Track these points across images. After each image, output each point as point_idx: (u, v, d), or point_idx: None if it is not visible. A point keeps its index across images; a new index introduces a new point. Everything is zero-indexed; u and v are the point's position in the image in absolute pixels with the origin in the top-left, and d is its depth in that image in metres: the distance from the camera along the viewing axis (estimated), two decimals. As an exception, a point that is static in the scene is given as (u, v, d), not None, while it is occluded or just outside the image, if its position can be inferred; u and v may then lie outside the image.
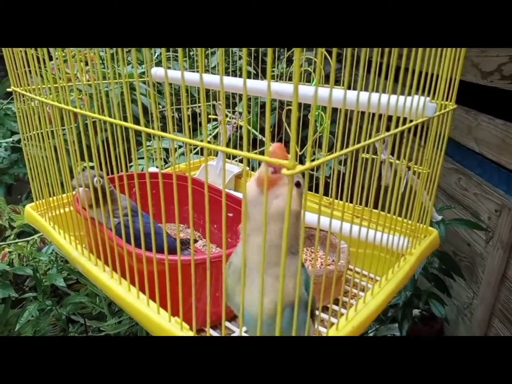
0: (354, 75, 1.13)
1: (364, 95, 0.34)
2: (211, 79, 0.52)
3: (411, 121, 0.37)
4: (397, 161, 0.44)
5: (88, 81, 0.70)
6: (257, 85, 0.47)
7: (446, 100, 0.43)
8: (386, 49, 0.31)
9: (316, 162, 0.24)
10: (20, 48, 0.47)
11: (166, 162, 0.92)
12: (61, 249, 0.46)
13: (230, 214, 0.51)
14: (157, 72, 0.62)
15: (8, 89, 0.48)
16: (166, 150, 0.92)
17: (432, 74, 0.41)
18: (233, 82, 0.47)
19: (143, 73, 1.05)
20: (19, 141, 1.08)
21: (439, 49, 0.41)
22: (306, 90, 0.41)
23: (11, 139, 1.05)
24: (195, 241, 0.57)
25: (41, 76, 0.46)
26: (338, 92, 0.36)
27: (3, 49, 0.50)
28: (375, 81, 0.36)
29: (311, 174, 0.79)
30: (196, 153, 0.97)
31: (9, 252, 1.13)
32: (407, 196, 0.44)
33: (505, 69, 0.93)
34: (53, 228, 0.49)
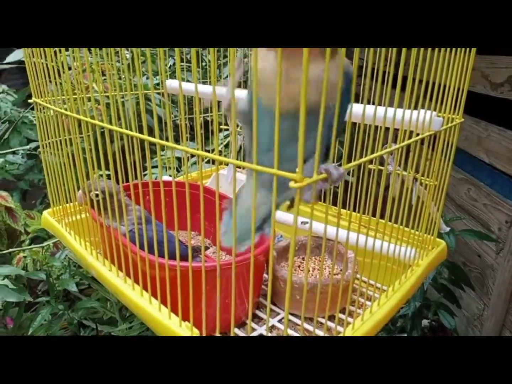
0: (362, 84, 1.14)
1: (371, 109, 0.36)
2: (223, 92, 0.54)
3: (417, 134, 0.38)
4: (404, 173, 0.45)
5: (105, 91, 0.72)
6: None
7: (454, 113, 0.44)
8: (393, 58, 0.32)
9: (323, 176, 0.25)
10: (42, 60, 0.49)
11: (179, 171, 0.94)
12: (76, 254, 0.48)
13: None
14: (172, 84, 0.64)
15: (30, 100, 0.50)
16: (179, 158, 0.94)
17: (440, 85, 0.42)
18: (243, 95, 0.49)
19: (158, 84, 1.07)
20: (35, 149, 1.12)
21: (447, 58, 0.42)
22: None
23: (28, 147, 1.08)
24: (206, 248, 0.58)
25: (60, 85, 0.48)
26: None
27: (25, 60, 0.52)
28: (382, 91, 0.38)
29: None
30: (208, 161, 0.99)
31: (24, 257, 1.16)
32: (415, 207, 0.45)
33: (515, 81, 0.93)
34: (69, 233, 0.51)
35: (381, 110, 0.34)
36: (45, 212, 0.56)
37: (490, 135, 1.01)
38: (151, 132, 0.36)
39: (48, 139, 0.52)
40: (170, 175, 0.72)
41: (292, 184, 0.23)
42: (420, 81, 0.39)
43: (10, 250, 0.96)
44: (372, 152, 0.36)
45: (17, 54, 0.91)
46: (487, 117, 1.04)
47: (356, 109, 0.36)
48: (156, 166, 0.95)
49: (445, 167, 0.44)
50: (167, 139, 0.35)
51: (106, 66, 0.52)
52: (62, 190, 0.52)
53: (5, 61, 0.93)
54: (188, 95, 0.69)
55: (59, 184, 0.52)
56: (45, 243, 1.21)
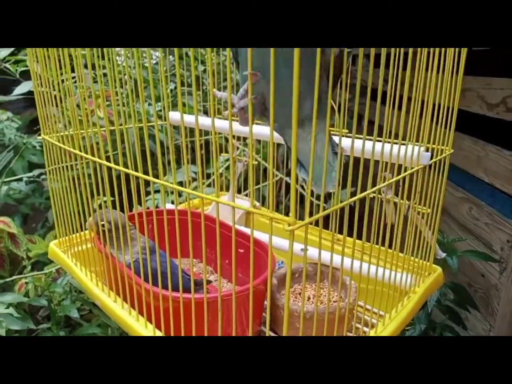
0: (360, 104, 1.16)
1: (360, 144, 0.37)
2: (222, 124, 0.56)
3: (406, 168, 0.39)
4: (396, 199, 0.46)
5: (108, 117, 0.74)
6: (262, 131, 0.51)
7: (444, 144, 0.45)
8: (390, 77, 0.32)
9: (315, 217, 0.26)
10: (49, 90, 0.51)
11: (180, 195, 0.95)
12: (83, 285, 0.49)
13: (241, 250, 0.53)
14: (173, 116, 0.66)
15: (39, 137, 0.52)
16: (181, 182, 0.96)
17: (433, 109, 0.42)
18: (240, 129, 0.51)
19: (160, 110, 1.10)
20: (39, 176, 1.13)
21: (436, 79, 0.42)
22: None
23: (31, 174, 1.09)
24: (209, 282, 0.58)
25: (66, 111, 0.50)
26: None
27: (34, 90, 0.54)
28: (382, 111, 0.39)
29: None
30: (209, 185, 1.00)
31: (26, 282, 1.16)
32: (409, 233, 0.45)
33: (510, 102, 0.95)
34: (75, 264, 0.52)
35: (370, 144, 0.36)
36: (51, 244, 0.57)
37: (488, 154, 1.02)
38: (153, 156, 0.37)
39: (53, 164, 0.53)
40: (172, 202, 0.73)
41: (286, 227, 0.23)
42: (409, 99, 0.40)
43: (14, 277, 0.97)
44: (366, 181, 0.37)
45: (24, 87, 0.94)
46: (485, 137, 1.05)
47: (346, 143, 0.38)
48: (158, 191, 0.96)
49: (437, 195, 0.45)
50: (169, 162, 0.37)
51: (112, 92, 0.54)
52: (68, 221, 0.53)
53: (13, 93, 0.96)
54: (189, 126, 0.71)
55: (65, 215, 0.53)
56: (46, 269, 1.21)
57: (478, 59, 1.01)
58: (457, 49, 0.44)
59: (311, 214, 0.28)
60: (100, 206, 0.47)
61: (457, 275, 1.10)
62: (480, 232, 1.05)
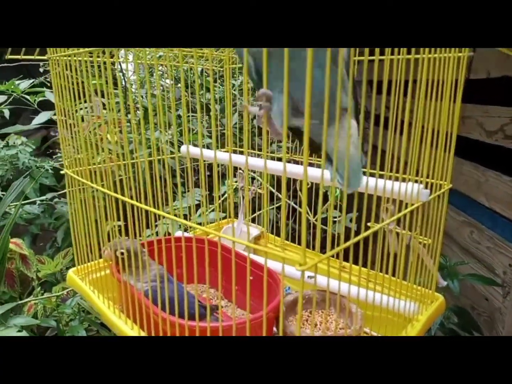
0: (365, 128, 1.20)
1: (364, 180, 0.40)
2: (236, 159, 0.60)
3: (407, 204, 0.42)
4: (398, 229, 0.48)
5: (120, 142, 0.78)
6: (272, 166, 0.54)
7: (442, 179, 0.47)
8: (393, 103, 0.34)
9: (324, 256, 0.28)
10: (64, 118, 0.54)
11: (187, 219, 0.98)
12: (100, 313, 0.51)
13: (251, 277, 0.55)
14: (185, 149, 0.70)
15: (62, 172, 0.56)
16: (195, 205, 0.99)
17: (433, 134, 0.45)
18: (252, 162, 0.54)
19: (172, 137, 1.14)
20: (52, 199, 1.17)
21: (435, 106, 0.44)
22: (314, 172, 0.47)
23: (45, 197, 1.13)
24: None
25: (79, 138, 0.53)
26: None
27: (58, 119, 0.57)
28: (385, 136, 0.41)
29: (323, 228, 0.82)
30: (213, 210, 1.03)
31: (35, 303, 1.18)
32: (412, 263, 0.48)
33: (508, 129, 0.98)
34: (93, 292, 0.54)
35: (373, 181, 0.39)
36: (70, 271, 0.60)
37: (488, 179, 1.05)
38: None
39: (74, 198, 0.56)
40: (186, 229, 0.75)
41: (297, 267, 0.26)
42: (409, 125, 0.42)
43: (26, 300, 0.99)
44: (369, 213, 0.40)
45: (43, 116, 0.99)
46: (485, 163, 1.08)
47: None
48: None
49: (437, 227, 0.48)
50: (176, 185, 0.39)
51: (123, 118, 0.57)
52: (86, 249, 0.56)
53: (32, 123, 1.01)
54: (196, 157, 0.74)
55: (83, 244, 0.56)
56: (54, 289, 1.23)
57: (476, 87, 1.05)
58: (454, 77, 0.46)
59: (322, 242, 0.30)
60: (109, 234, 0.50)
61: (460, 298, 1.11)
62: (482, 255, 1.07)
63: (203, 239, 0.38)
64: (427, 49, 0.40)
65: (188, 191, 0.88)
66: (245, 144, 0.39)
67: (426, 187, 0.45)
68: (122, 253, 0.48)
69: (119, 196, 0.44)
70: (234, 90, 1.19)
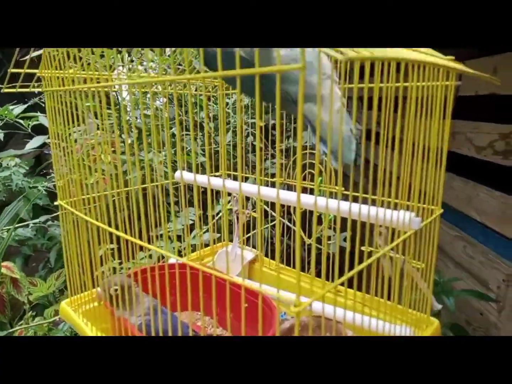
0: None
1: (356, 207, 0.41)
2: (230, 185, 0.60)
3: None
4: (392, 253, 0.49)
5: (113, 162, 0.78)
6: (266, 192, 0.55)
7: (433, 203, 0.48)
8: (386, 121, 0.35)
9: (317, 295, 0.28)
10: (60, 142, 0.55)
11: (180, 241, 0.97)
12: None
13: (246, 305, 0.55)
14: (178, 175, 0.70)
15: (56, 203, 0.55)
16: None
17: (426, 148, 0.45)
18: (245, 188, 0.55)
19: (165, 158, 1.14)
20: (45, 222, 1.16)
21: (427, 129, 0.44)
22: (308, 199, 0.48)
23: (38, 220, 1.12)
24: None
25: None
26: (333, 203, 0.42)
27: (52, 151, 0.57)
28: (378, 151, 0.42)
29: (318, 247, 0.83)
30: (207, 230, 1.03)
31: (25, 328, 1.15)
32: (406, 287, 0.48)
33: (497, 145, 1.00)
34: (86, 324, 0.54)
35: (365, 208, 0.39)
36: (63, 303, 0.59)
37: (478, 194, 1.06)
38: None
39: (68, 230, 0.56)
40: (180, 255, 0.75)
41: (292, 308, 0.26)
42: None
43: (17, 328, 0.97)
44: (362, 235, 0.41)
45: (36, 141, 0.99)
46: (475, 177, 1.10)
47: (344, 207, 0.41)
48: (162, 235, 0.98)
49: (429, 252, 0.48)
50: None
51: (117, 140, 0.57)
52: (79, 279, 0.55)
53: (26, 148, 1.01)
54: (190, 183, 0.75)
55: (77, 273, 0.56)
56: (46, 312, 1.21)
57: (465, 104, 1.07)
58: (443, 94, 0.46)
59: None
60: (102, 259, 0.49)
61: (455, 313, 1.11)
62: (476, 270, 1.07)
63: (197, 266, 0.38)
64: (415, 77, 0.41)
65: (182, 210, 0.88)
66: (238, 168, 0.39)
67: (417, 213, 0.45)
68: (116, 290, 0.48)
69: (107, 227, 0.44)
70: (228, 109, 1.21)
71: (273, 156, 1.37)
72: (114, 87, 0.62)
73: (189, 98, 0.47)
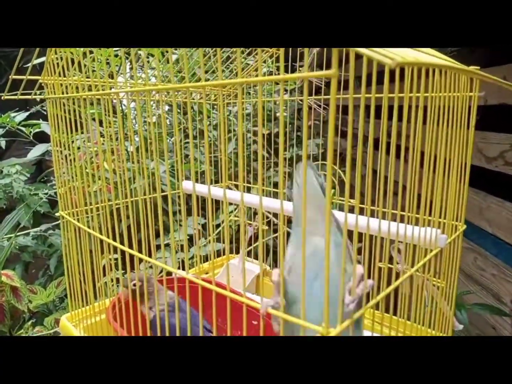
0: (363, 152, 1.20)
1: (375, 223, 0.38)
2: (233, 195, 0.58)
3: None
4: (417, 273, 0.46)
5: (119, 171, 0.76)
6: (269, 204, 0.53)
7: (456, 220, 0.46)
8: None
9: (346, 323, 0.26)
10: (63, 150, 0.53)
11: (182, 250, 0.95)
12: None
13: (255, 322, 0.53)
14: (186, 185, 0.68)
15: (57, 213, 0.53)
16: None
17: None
18: (248, 199, 0.53)
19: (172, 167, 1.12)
20: (46, 231, 1.14)
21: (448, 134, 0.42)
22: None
23: (39, 228, 1.10)
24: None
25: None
26: (352, 218, 0.39)
27: (54, 159, 0.55)
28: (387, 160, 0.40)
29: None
30: (218, 239, 1.01)
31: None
32: (426, 305, 0.45)
33: (508, 156, 0.98)
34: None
35: (385, 224, 0.37)
36: (63, 317, 0.57)
37: (490, 206, 1.04)
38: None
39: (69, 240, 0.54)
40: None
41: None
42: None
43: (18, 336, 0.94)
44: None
45: (37, 150, 0.98)
46: (485, 188, 1.07)
47: (362, 222, 0.39)
48: (167, 245, 0.96)
49: (452, 270, 0.46)
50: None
51: (120, 147, 0.55)
52: (80, 293, 0.53)
53: (28, 156, 1.00)
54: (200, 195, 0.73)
55: (78, 286, 0.53)
56: (48, 322, 1.19)
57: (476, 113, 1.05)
58: (467, 104, 0.44)
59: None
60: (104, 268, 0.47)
61: (467, 328, 1.08)
62: (488, 283, 1.04)
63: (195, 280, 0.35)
64: (442, 85, 0.38)
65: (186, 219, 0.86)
66: (240, 178, 0.37)
67: (440, 229, 0.43)
68: (134, 284, 0.47)
69: (104, 238, 0.42)
70: (231, 117, 1.19)
71: (276, 165, 1.35)
72: (119, 95, 0.60)
73: (188, 108, 0.45)
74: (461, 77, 0.41)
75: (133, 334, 0.42)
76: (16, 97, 0.47)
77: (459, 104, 0.42)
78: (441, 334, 0.48)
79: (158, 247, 0.43)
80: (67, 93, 0.47)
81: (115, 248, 0.43)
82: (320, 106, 1.13)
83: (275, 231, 1.11)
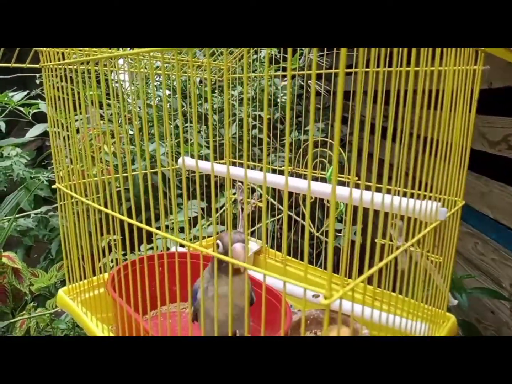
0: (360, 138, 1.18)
1: (379, 197, 0.37)
2: (235, 171, 0.58)
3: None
4: (412, 248, 0.46)
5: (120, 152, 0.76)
6: (274, 179, 0.52)
7: (456, 195, 0.45)
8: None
9: (349, 287, 0.26)
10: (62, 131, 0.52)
11: (183, 231, 0.95)
12: (91, 334, 0.48)
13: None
14: (185, 160, 0.67)
15: (53, 186, 0.53)
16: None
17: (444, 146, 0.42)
18: (251, 175, 0.52)
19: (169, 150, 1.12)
20: (46, 212, 1.14)
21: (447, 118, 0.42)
22: (324, 187, 0.45)
23: (39, 210, 1.10)
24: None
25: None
26: (356, 193, 0.39)
27: (51, 138, 0.55)
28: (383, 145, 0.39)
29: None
30: (217, 221, 1.00)
31: (27, 319, 1.14)
32: (421, 281, 0.45)
33: (511, 140, 0.97)
34: (85, 313, 0.51)
35: (388, 198, 0.36)
36: (60, 291, 0.57)
37: (492, 190, 1.03)
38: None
39: (66, 211, 0.54)
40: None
41: (322, 301, 0.24)
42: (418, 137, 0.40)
43: (19, 318, 0.95)
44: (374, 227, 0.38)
45: (36, 130, 0.97)
46: (487, 173, 1.06)
47: (366, 197, 0.38)
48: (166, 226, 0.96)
49: (449, 245, 0.45)
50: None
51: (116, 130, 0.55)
52: (77, 265, 0.53)
53: (26, 135, 0.99)
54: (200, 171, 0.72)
55: (76, 259, 0.53)
56: (48, 303, 1.20)
57: (479, 96, 1.04)
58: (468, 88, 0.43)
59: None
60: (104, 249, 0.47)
61: (466, 312, 1.09)
62: (487, 267, 1.04)
63: (198, 254, 0.35)
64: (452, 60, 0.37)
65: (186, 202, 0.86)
66: (244, 155, 0.37)
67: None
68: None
69: (110, 211, 0.41)
70: (233, 100, 1.18)
71: (277, 150, 1.34)
72: (114, 60, 0.59)
73: (192, 84, 0.44)
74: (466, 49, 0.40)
75: (131, 306, 0.42)
76: (9, 65, 0.46)
77: (462, 79, 0.41)
78: (436, 310, 0.48)
79: (158, 228, 0.43)
80: (64, 73, 0.47)
81: (115, 223, 0.43)
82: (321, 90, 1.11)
83: (277, 214, 1.10)
